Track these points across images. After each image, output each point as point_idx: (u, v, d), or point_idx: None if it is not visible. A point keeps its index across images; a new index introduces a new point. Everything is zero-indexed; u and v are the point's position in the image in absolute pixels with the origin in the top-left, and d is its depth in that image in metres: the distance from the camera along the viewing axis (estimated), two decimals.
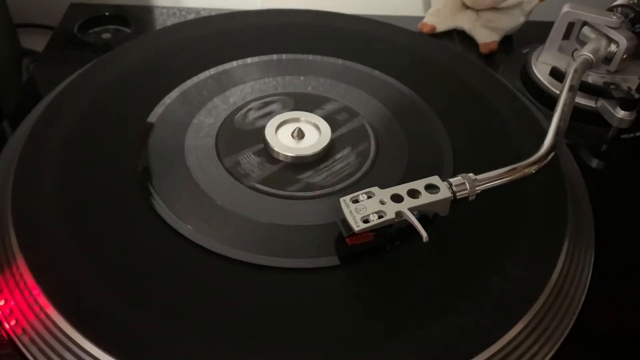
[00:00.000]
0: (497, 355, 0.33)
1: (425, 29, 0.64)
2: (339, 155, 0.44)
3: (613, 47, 0.52)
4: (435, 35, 0.64)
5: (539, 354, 0.35)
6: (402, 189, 0.37)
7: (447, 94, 0.51)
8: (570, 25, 0.55)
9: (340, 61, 0.53)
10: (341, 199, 0.36)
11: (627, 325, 0.39)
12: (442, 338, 0.33)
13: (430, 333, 0.33)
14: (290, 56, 0.53)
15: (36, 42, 0.65)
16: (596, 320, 0.38)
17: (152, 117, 0.46)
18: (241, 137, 0.45)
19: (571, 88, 0.45)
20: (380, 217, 0.35)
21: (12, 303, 0.34)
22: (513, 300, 0.35)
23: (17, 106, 0.53)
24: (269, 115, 0.47)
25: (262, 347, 0.32)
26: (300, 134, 0.44)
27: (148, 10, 0.67)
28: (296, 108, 0.47)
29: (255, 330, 0.33)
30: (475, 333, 0.33)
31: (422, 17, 0.66)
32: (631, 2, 0.53)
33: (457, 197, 0.37)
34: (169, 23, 0.65)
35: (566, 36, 0.56)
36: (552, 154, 0.40)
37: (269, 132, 0.44)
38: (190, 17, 0.66)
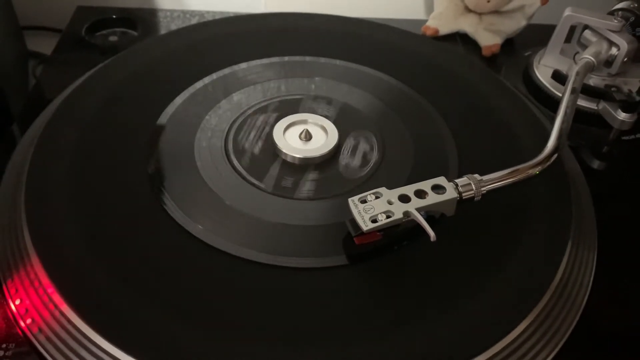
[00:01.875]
0: (500, 354, 0.33)
1: (429, 32, 0.65)
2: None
3: (614, 50, 0.52)
4: (438, 38, 0.65)
5: (542, 353, 0.35)
6: (409, 190, 0.37)
7: (451, 97, 0.51)
8: (572, 29, 0.55)
9: (344, 63, 0.54)
10: (349, 199, 0.37)
11: (629, 325, 0.39)
12: (446, 337, 0.34)
13: (434, 332, 0.34)
14: (295, 58, 0.54)
15: (42, 45, 0.66)
16: (598, 320, 0.39)
17: (161, 119, 0.46)
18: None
19: (573, 90, 0.46)
20: (388, 216, 0.36)
21: (28, 302, 0.34)
22: (516, 300, 0.36)
23: (26, 109, 0.53)
24: (276, 116, 0.47)
25: (272, 344, 0.33)
26: (307, 136, 0.45)
27: (153, 13, 0.67)
28: (302, 110, 0.48)
29: (264, 327, 0.34)
30: (479, 332, 0.34)
31: (425, 21, 0.66)
32: (632, 5, 0.53)
33: (463, 198, 0.37)
34: (173, 26, 0.65)
35: (568, 39, 0.56)
36: (556, 155, 0.41)
37: (277, 134, 0.45)
38: (194, 20, 0.66)
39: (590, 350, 0.37)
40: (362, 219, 0.36)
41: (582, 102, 0.53)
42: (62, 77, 0.53)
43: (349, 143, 0.46)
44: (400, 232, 0.38)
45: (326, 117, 0.47)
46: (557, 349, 0.36)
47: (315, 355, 0.33)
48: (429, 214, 0.38)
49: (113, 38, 0.63)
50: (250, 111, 0.48)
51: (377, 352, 0.33)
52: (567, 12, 0.54)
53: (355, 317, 0.34)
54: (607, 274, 0.41)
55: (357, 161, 0.44)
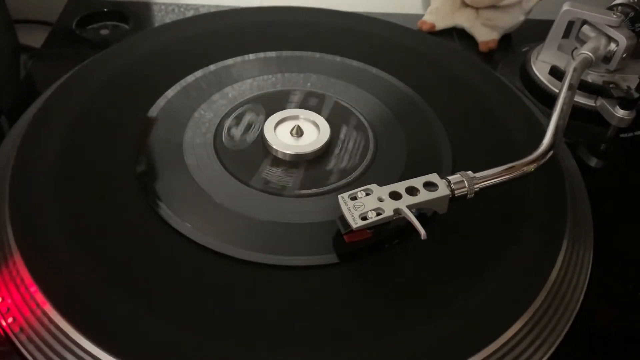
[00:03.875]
0: (495, 354, 0.33)
1: (425, 27, 0.64)
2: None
3: (613, 46, 0.52)
4: (434, 34, 0.64)
5: (537, 354, 0.34)
6: (400, 187, 0.36)
7: (446, 92, 0.50)
8: (570, 24, 0.55)
9: (339, 59, 0.53)
10: (339, 196, 0.36)
11: (625, 324, 0.39)
12: (440, 337, 0.33)
13: (427, 332, 0.33)
14: (289, 53, 0.53)
15: (34, 38, 0.65)
16: (594, 320, 0.38)
17: (151, 114, 0.46)
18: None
19: (570, 87, 0.45)
20: (378, 214, 0.35)
21: (9, 300, 0.34)
22: (511, 300, 0.35)
23: (15, 102, 0.52)
24: (268, 111, 0.46)
25: (260, 344, 0.32)
26: (299, 132, 0.44)
27: (147, 6, 0.66)
28: (294, 105, 0.47)
29: (253, 327, 0.33)
30: (473, 332, 0.33)
31: (422, 15, 0.66)
32: (631, 1, 0.53)
33: (456, 195, 0.37)
34: (167, 20, 0.64)
35: (566, 35, 0.55)
36: (551, 152, 0.40)
37: (268, 130, 0.44)
38: (189, 13, 0.65)
39: (585, 351, 0.37)
40: (352, 216, 0.35)
41: (580, 99, 0.52)
42: (52, 71, 0.53)
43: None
44: (392, 230, 0.37)
45: (318, 112, 0.46)
46: (552, 349, 0.35)
47: (305, 355, 0.32)
48: (421, 211, 0.37)
49: (104, 32, 0.62)
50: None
51: (367, 353, 0.32)
52: (565, 7, 0.53)
53: (345, 317, 0.34)
54: (603, 273, 0.41)
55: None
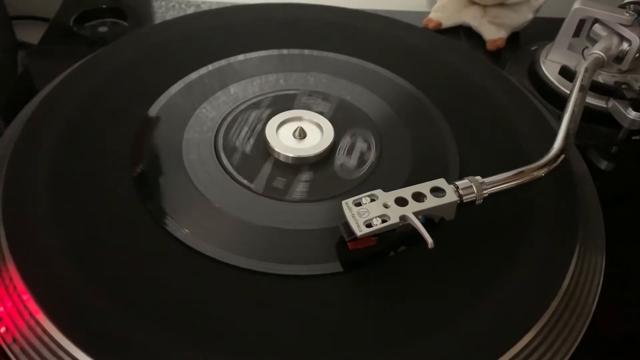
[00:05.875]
0: None
1: (431, 25, 0.63)
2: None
3: (625, 46, 0.50)
4: (440, 32, 0.63)
5: None
6: (406, 192, 0.35)
7: (453, 93, 0.49)
8: (581, 23, 0.54)
9: (344, 57, 0.52)
10: (343, 202, 0.35)
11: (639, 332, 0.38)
12: (449, 348, 0.32)
13: (437, 343, 0.32)
14: (293, 51, 0.52)
15: (32, 35, 0.64)
16: (608, 328, 0.38)
17: (150, 114, 0.45)
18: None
19: (582, 88, 0.44)
20: (383, 221, 0.34)
21: (2, 309, 0.33)
22: (523, 308, 0.34)
23: (11, 100, 0.51)
24: (270, 112, 0.45)
25: (259, 355, 0.31)
26: (302, 134, 0.43)
27: (146, 3, 0.65)
28: (297, 106, 0.46)
29: (252, 337, 0.32)
30: (484, 342, 0.32)
31: (428, 13, 0.65)
32: None
33: (464, 201, 0.36)
34: (168, 16, 0.63)
35: (576, 34, 0.54)
36: (562, 156, 0.39)
37: (270, 132, 0.43)
38: (190, 10, 0.64)
39: (600, 359, 0.36)
40: (356, 223, 0.34)
41: (591, 100, 0.51)
42: (49, 68, 0.52)
43: (345, 142, 0.44)
44: (398, 237, 0.36)
45: (322, 113, 0.45)
46: (566, 359, 0.34)
47: None
48: (428, 217, 0.36)
49: (103, 29, 0.61)
50: (242, 106, 0.46)
51: None
52: (576, 4, 0.53)
53: (349, 329, 0.33)
54: (616, 279, 0.40)
55: (353, 161, 0.43)
